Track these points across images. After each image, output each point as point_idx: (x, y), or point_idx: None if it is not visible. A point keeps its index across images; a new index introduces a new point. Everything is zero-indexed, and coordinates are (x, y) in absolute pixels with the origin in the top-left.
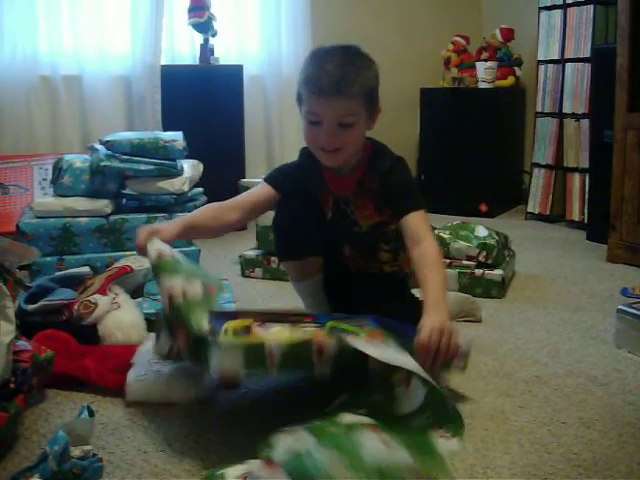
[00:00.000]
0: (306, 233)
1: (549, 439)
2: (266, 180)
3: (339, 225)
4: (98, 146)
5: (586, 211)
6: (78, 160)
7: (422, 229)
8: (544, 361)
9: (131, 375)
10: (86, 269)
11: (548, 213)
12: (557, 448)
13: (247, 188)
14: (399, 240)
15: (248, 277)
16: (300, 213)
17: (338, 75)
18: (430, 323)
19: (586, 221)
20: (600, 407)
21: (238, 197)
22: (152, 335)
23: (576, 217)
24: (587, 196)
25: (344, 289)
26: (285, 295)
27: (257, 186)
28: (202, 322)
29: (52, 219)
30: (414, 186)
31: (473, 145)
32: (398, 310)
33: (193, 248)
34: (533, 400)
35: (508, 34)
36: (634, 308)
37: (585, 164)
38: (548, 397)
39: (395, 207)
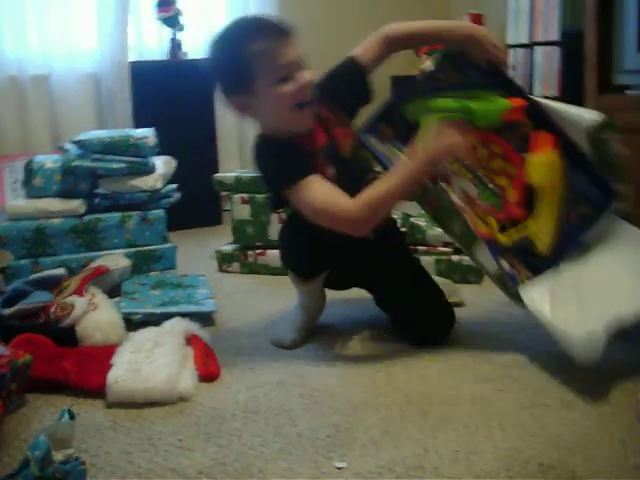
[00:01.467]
0: (323, 252)
1: (531, 422)
2: (306, 173)
3: (341, 171)
4: (69, 146)
5: None
6: (49, 161)
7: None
8: (524, 344)
9: (111, 376)
10: (62, 270)
11: None
12: (539, 430)
13: (221, 183)
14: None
15: (226, 272)
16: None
17: (276, 21)
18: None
19: None
20: (580, 388)
21: (328, 194)
22: (131, 335)
23: None
24: None
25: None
26: (264, 289)
27: (313, 184)
28: None
29: (25, 221)
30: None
31: None
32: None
33: (168, 245)
34: (514, 384)
35: (477, 19)
36: None
37: None
38: (528, 380)
39: (357, 89)
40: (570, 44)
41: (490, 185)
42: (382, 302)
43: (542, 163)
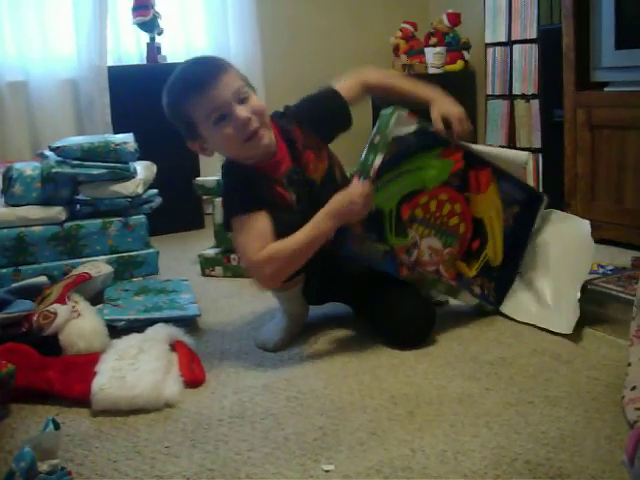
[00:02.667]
0: None
1: (517, 419)
2: (248, 211)
3: (303, 197)
4: (48, 153)
5: (541, 189)
6: (28, 168)
7: (350, 73)
8: (508, 342)
9: (96, 384)
10: (43, 278)
11: None
12: (525, 428)
13: (203, 186)
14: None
15: (209, 276)
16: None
17: (203, 68)
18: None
19: None
20: (565, 384)
21: (256, 234)
22: (115, 342)
23: None
24: (541, 175)
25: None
26: (247, 292)
27: (250, 221)
28: None
29: (5, 230)
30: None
31: None
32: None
33: (150, 251)
34: (499, 382)
35: (455, 19)
36: (593, 284)
37: (537, 144)
38: (514, 378)
39: (338, 117)
40: (548, 42)
41: (447, 230)
42: (361, 311)
43: (485, 198)
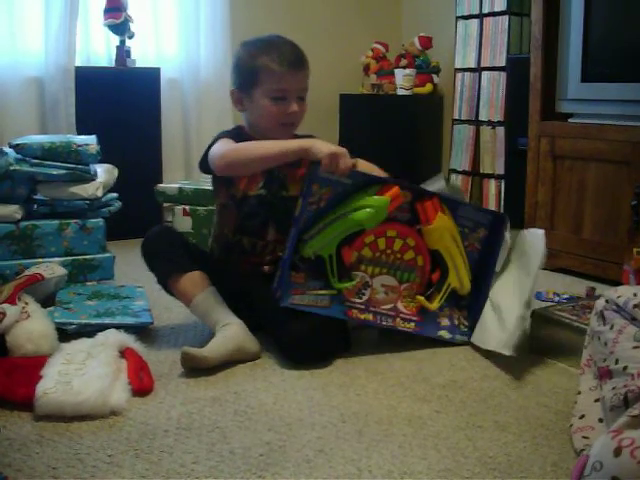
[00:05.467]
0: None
1: (465, 443)
2: (228, 136)
3: (269, 190)
4: (7, 149)
5: None
6: None
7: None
8: (461, 365)
9: (40, 388)
10: None
11: None
12: (473, 452)
13: (164, 193)
14: None
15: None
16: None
17: (297, 52)
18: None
19: None
20: (515, 410)
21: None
22: (63, 345)
23: None
24: (503, 202)
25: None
26: None
27: (224, 141)
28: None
29: None
30: None
31: (392, 151)
32: None
33: (106, 255)
34: (450, 404)
35: (426, 42)
36: (547, 312)
37: (501, 170)
38: (464, 401)
39: None
40: (516, 71)
41: (402, 265)
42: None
43: (436, 229)
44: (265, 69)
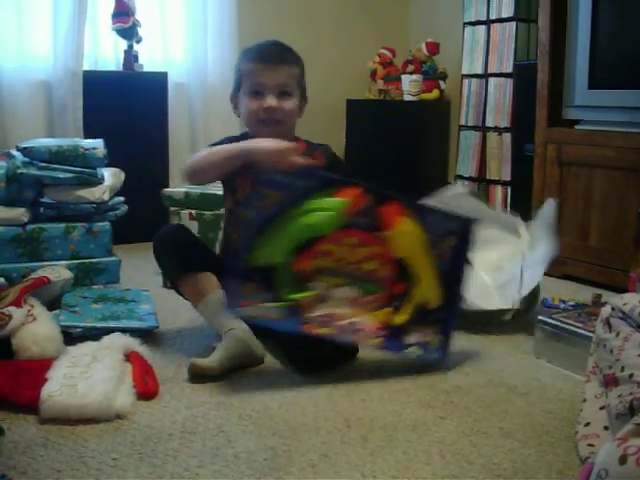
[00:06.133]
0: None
1: (470, 449)
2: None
3: None
4: (15, 152)
5: None
6: None
7: None
8: (465, 371)
9: (46, 391)
10: (1, 280)
11: None
12: (478, 458)
13: (170, 198)
14: None
15: (170, 288)
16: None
17: (278, 50)
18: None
19: None
20: (520, 416)
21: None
22: (69, 349)
23: None
24: (509, 208)
25: None
26: None
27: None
28: None
29: None
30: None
31: (398, 157)
32: None
33: (112, 259)
34: (454, 410)
35: (433, 48)
36: (553, 318)
37: (507, 177)
38: (469, 407)
39: None
40: (523, 77)
41: (365, 275)
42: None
43: (399, 234)
44: (245, 69)
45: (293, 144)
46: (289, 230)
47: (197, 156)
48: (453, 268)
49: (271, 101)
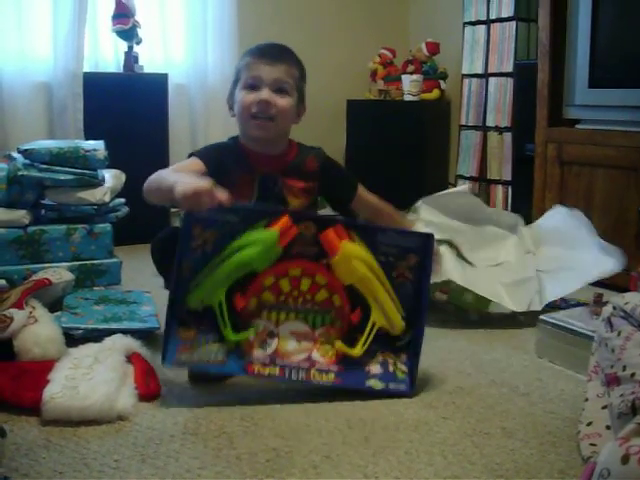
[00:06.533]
0: None
1: (472, 450)
2: (197, 155)
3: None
4: (16, 155)
5: None
6: None
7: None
8: (467, 371)
9: (47, 392)
10: (2, 282)
11: None
12: (480, 459)
13: None
14: None
15: None
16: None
17: (279, 48)
18: None
19: None
20: (522, 417)
21: (177, 167)
22: (70, 350)
23: None
24: (510, 208)
25: None
26: None
27: (188, 160)
28: None
29: None
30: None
31: (399, 157)
32: None
33: (114, 260)
34: (456, 411)
35: (434, 48)
36: (555, 318)
37: (508, 176)
38: (471, 408)
39: (344, 194)
40: (523, 76)
41: (314, 307)
42: None
43: (344, 260)
44: (243, 63)
45: (208, 183)
46: (224, 269)
47: (151, 176)
48: (417, 289)
49: (266, 94)
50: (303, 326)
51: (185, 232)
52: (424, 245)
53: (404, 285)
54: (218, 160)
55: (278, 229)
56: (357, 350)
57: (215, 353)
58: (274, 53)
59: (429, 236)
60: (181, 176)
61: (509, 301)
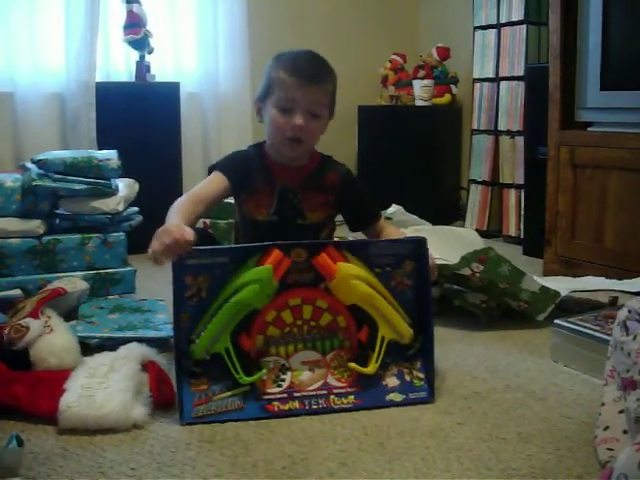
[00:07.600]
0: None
1: (488, 455)
2: (219, 169)
3: (282, 217)
4: (30, 165)
5: (522, 226)
6: (9, 179)
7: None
8: (483, 377)
9: (64, 401)
10: (17, 292)
11: (485, 228)
12: (496, 464)
13: None
14: None
15: None
16: None
17: (315, 68)
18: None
19: (522, 236)
20: (538, 421)
21: (197, 190)
22: (86, 359)
23: (512, 232)
24: (523, 212)
25: None
26: None
27: (211, 177)
28: None
29: None
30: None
31: (411, 162)
32: None
33: (128, 269)
34: (472, 416)
35: (444, 53)
36: (569, 322)
37: (520, 180)
38: (487, 413)
39: (364, 216)
40: (535, 80)
41: (320, 332)
42: None
43: (343, 280)
44: (277, 79)
45: (187, 232)
46: (224, 313)
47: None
48: (419, 294)
49: (299, 120)
50: (313, 354)
51: (178, 283)
52: (418, 249)
53: (404, 292)
54: (241, 171)
55: (271, 264)
56: (371, 368)
57: (232, 400)
58: (311, 73)
59: (421, 240)
60: (163, 228)
61: (539, 279)
